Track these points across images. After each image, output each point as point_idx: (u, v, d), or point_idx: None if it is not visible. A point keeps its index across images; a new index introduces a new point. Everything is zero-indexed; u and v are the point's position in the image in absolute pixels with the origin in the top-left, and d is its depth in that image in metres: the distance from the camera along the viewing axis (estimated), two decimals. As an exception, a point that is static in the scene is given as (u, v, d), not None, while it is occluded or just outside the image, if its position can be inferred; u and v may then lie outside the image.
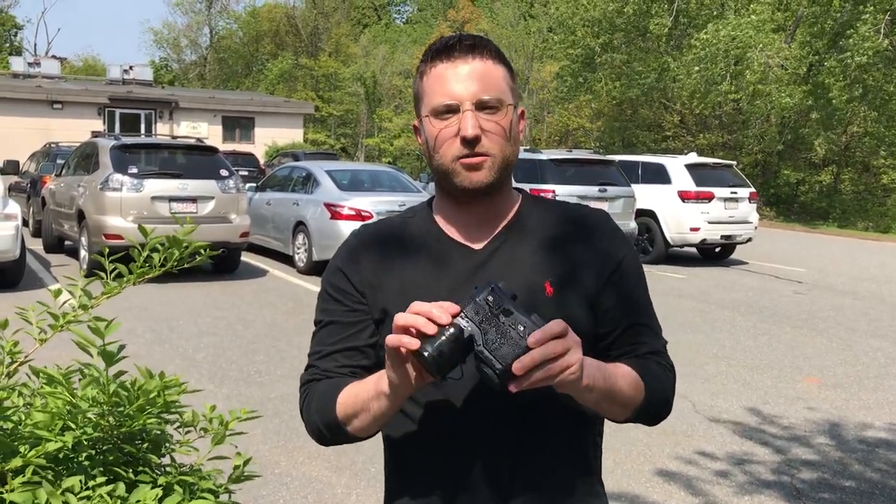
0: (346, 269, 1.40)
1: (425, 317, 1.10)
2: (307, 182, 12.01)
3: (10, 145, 21.51)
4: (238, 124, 31.41)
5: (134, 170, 10.24)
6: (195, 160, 10.93)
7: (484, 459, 1.32)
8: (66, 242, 12.10)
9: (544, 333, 1.08)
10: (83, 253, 10.50)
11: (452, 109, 1.27)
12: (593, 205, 13.81)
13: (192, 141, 12.22)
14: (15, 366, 1.87)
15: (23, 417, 1.71)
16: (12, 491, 1.49)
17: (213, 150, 11.47)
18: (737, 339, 8.03)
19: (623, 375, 1.27)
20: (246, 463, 1.95)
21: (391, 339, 1.12)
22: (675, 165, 13.90)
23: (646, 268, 12.43)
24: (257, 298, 9.43)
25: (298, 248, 11.58)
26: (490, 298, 1.12)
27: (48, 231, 12.46)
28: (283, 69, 46.37)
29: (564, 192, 11.98)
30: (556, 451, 1.35)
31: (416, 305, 1.11)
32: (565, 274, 1.34)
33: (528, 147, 14.21)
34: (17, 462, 1.58)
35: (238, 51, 52.56)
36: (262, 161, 25.61)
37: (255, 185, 13.83)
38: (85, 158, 11.31)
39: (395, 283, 1.35)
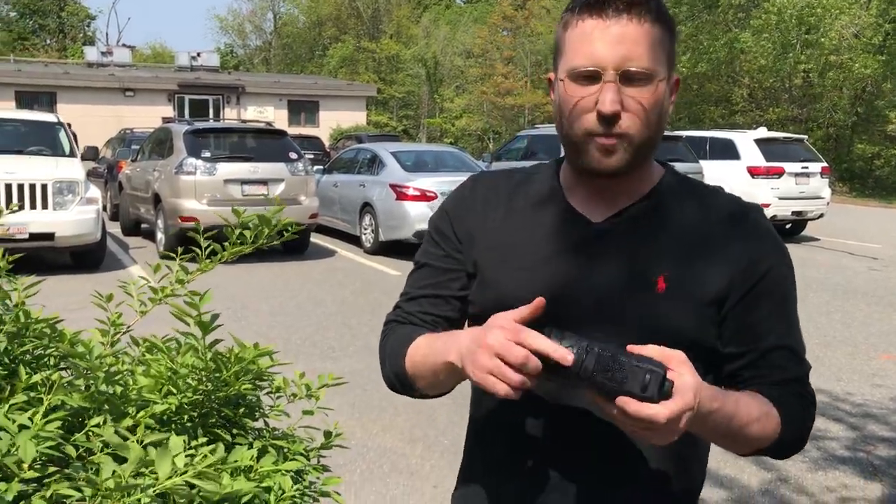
0: (451, 213, 1.31)
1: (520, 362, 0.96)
2: (373, 164, 12.16)
3: (86, 132, 22.21)
4: (303, 108, 31.83)
5: (207, 154, 10.54)
6: (265, 144, 11.18)
7: (571, 446, 1.19)
8: (143, 225, 12.51)
9: (640, 412, 0.92)
10: (159, 235, 10.86)
11: (593, 76, 1.09)
12: None
13: (262, 125, 12.49)
14: (118, 336, 2.00)
15: (130, 382, 1.84)
16: (127, 448, 1.61)
17: (282, 133, 11.71)
18: (808, 315, 7.89)
19: (758, 420, 1.10)
20: (337, 435, 2.06)
21: (483, 381, 0.99)
22: (744, 140, 13.64)
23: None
24: (326, 278, 9.63)
25: (365, 229, 11.75)
26: (593, 363, 0.96)
27: (125, 214, 12.91)
28: (345, 54, 46.73)
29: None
30: (653, 454, 1.20)
31: (529, 338, 0.97)
32: (688, 271, 1.14)
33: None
34: (127, 422, 1.70)
35: (301, 35, 53.13)
36: (326, 144, 25.95)
37: (321, 167, 14.07)
38: (159, 144, 11.67)
39: (493, 239, 1.24)
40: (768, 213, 13.12)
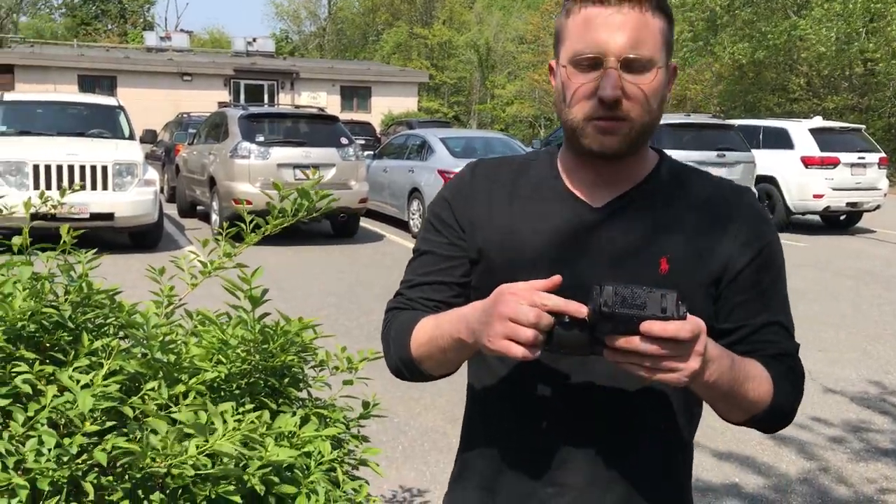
0: (452, 201, 1.32)
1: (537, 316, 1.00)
2: (422, 149, 12.27)
3: (145, 116, 22.75)
4: (355, 94, 32.07)
5: (261, 138, 10.77)
6: (317, 129, 11.37)
7: (565, 428, 1.23)
8: (198, 207, 12.82)
9: (666, 330, 0.95)
10: (214, 217, 11.13)
11: (594, 63, 1.12)
12: (711, 170, 13.45)
13: (314, 110, 12.68)
14: (171, 308, 2.13)
15: (183, 351, 1.97)
16: (179, 411, 1.73)
17: (333, 119, 11.89)
18: (858, 308, 7.78)
19: (754, 378, 1.14)
20: (375, 405, 2.16)
21: (505, 348, 1.02)
22: (799, 130, 13.38)
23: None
24: (375, 262, 9.78)
25: (413, 214, 11.88)
26: (614, 297, 0.97)
27: (182, 196, 13.24)
28: (398, 40, 46.89)
29: (681, 157, 11.68)
30: (645, 446, 1.24)
31: (544, 298, 1.01)
32: (689, 252, 1.18)
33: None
34: (180, 388, 1.83)
35: (355, 21, 53.41)
36: (378, 129, 26.13)
37: (372, 152, 14.22)
38: (215, 128, 11.94)
39: (497, 225, 1.26)
40: (822, 204, 12.90)
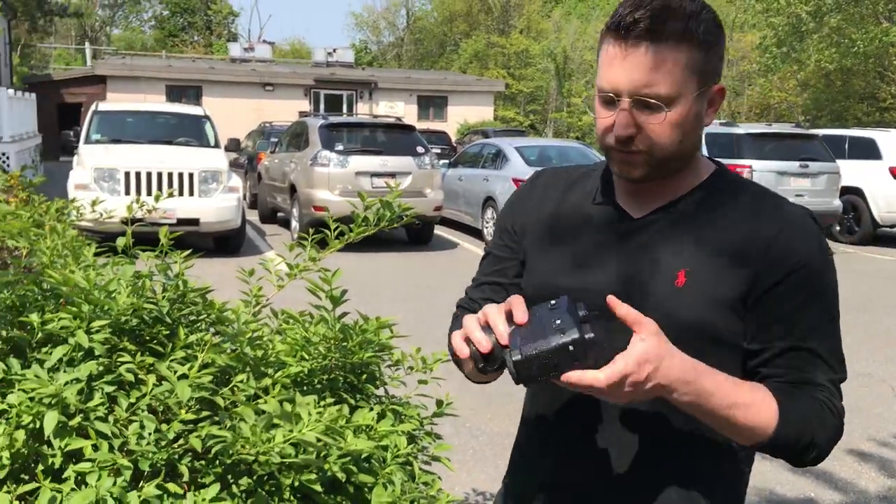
0: (512, 206, 1.40)
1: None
2: (497, 158, 12.35)
3: (228, 125, 23.43)
4: (432, 103, 32.37)
5: (340, 147, 11.02)
6: (394, 138, 11.58)
7: (586, 453, 1.26)
8: (279, 213, 13.18)
9: (582, 380, 1.01)
10: (294, 223, 11.43)
11: (612, 100, 1.15)
12: (794, 181, 12.99)
13: (392, 119, 12.91)
14: (259, 307, 2.26)
15: (269, 347, 2.09)
16: (266, 402, 1.85)
17: (410, 128, 12.09)
18: (949, 324, 7.51)
19: (748, 405, 1.10)
20: (448, 404, 2.25)
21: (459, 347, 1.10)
22: (888, 139, 12.95)
23: (850, 249, 11.56)
24: (449, 269, 9.89)
25: (487, 222, 11.96)
26: (558, 320, 1.02)
27: (263, 203, 13.64)
28: (475, 49, 47.15)
29: (762, 167, 11.55)
30: (669, 470, 1.23)
31: (490, 314, 1.07)
32: (711, 268, 1.16)
33: (724, 121, 13.75)
34: (267, 381, 1.95)
35: (433, 31, 53.93)
36: (453, 138, 26.32)
37: (447, 161, 14.37)
38: (296, 137, 12.27)
39: (542, 229, 1.32)
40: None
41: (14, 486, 1.68)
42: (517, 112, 42.96)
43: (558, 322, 1.01)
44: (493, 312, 1.07)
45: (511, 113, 41.36)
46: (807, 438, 1.13)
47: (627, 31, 1.12)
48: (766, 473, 4.15)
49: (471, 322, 1.08)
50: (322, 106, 30.21)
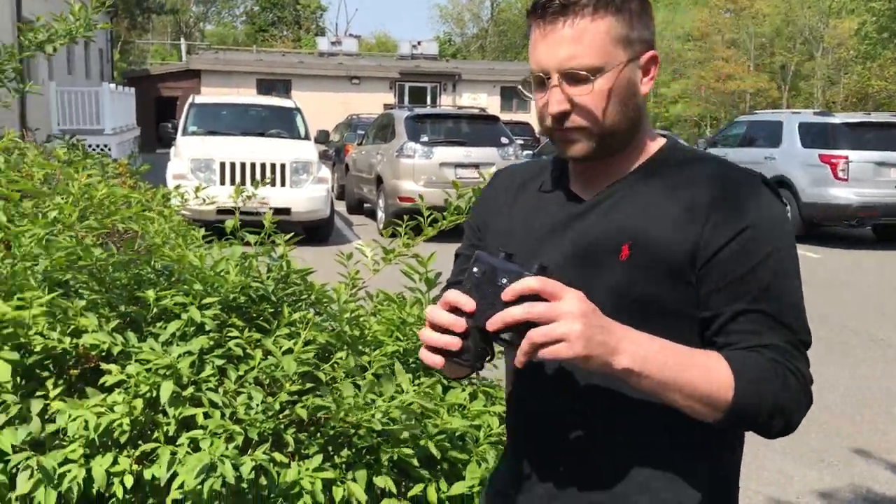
0: (476, 206, 1.42)
1: (445, 327, 1.03)
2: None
3: (317, 118, 23.85)
4: (515, 94, 32.24)
5: (425, 138, 11.14)
6: (478, 129, 11.63)
7: (548, 435, 1.23)
8: (365, 204, 13.41)
9: (514, 289, 0.99)
10: (380, 213, 11.62)
11: (542, 80, 1.17)
12: (894, 172, 12.29)
13: (476, 111, 12.96)
14: (356, 290, 2.34)
15: (366, 326, 2.17)
16: (364, 379, 1.92)
17: (494, 119, 12.12)
18: None
19: (702, 366, 1.07)
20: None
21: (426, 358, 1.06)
22: None
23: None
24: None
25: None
26: (476, 270, 1.03)
27: (350, 194, 13.89)
28: (560, 38, 46.72)
29: (859, 157, 11.11)
30: (631, 446, 1.19)
31: (435, 315, 1.05)
32: (655, 239, 1.14)
33: (818, 110, 13.29)
34: (365, 359, 2.02)
35: (517, 22, 53.65)
36: (536, 129, 26.20)
37: (531, 152, 14.34)
38: (382, 129, 12.45)
39: (499, 224, 1.33)
40: None
41: (133, 451, 1.80)
42: (602, 103, 42.32)
43: (503, 281, 1.00)
44: (438, 314, 1.04)
45: (596, 104, 40.78)
46: (769, 402, 1.08)
47: (544, 9, 1.15)
48: (863, 473, 4.04)
49: (428, 334, 1.05)
50: (406, 98, 30.49)
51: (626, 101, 1.17)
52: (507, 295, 0.99)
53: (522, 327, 0.98)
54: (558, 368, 1.19)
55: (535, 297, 0.99)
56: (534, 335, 0.97)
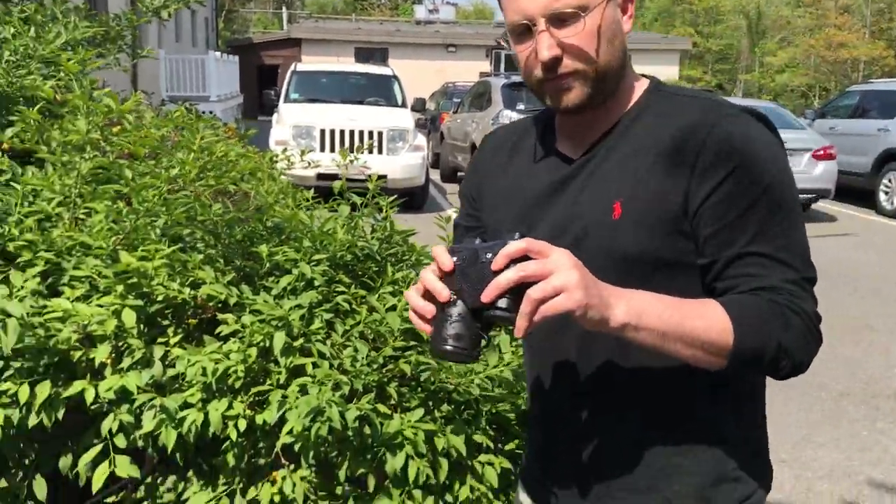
0: (468, 173, 1.40)
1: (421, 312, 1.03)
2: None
3: (412, 86, 23.97)
4: (614, 62, 31.59)
5: (521, 106, 11.09)
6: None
7: (558, 402, 1.25)
8: (459, 173, 13.47)
9: (503, 253, 0.97)
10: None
11: (527, 29, 1.12)
12: None
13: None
14: (455, 253, 2.37)
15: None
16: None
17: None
18: None
19: (699, 315, 1.04)
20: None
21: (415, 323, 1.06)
22: None
23: None
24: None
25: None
26: (456, 259, 1.01)
27: (445, 162, 13.97)
28: (661, 6, 45.43)
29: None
30: (654, 423, 1.18)
31: (411, 299, 1.04)
32: (645, 193, 1.11)
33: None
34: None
35: (617, -12, 52.36)
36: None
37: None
38: (478, 97, 12.45)
39: (493, 189, 1.31)
40: None
41: (246, 396, 1.91)
42: (704, 72, 41.15)
43: (488, 256, 0.99)
44: (420, 304, 1.02)
45: (697, 72, 39.68)
46: (773, 344, 1.05)
47: None
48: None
49: (414, 300, 1.04)
50: (503, 66, 30.28)
51: (614, 40, 1.14)
52: (497, 263, 0.97)
53: (516, 293, 0.97)
54: (570, 355, 1.20)
55: (523, 260, 0.97)
56: (532, 292, 0.94)
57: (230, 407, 1.82)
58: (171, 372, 1.89)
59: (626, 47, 1.17)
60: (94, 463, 1.93)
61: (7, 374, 1.87)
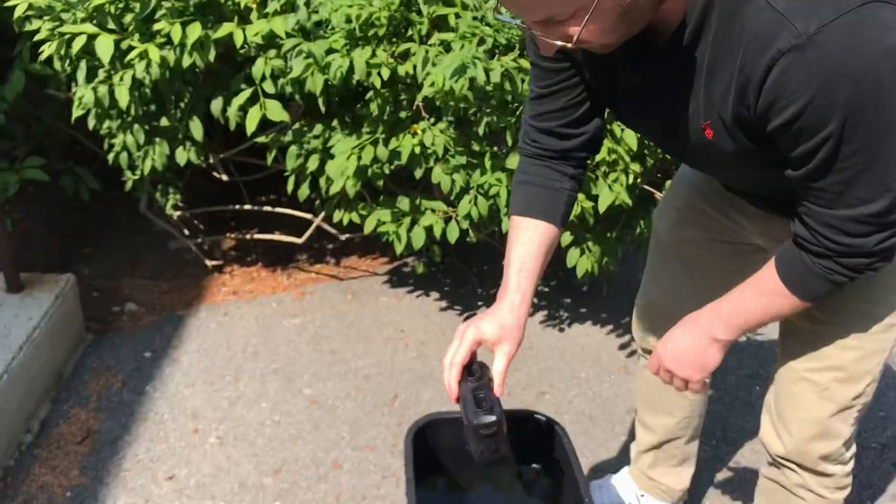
0: None
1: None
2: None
3: None
4: None
5: None
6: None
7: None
8: None
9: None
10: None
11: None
12: None
13: None
14: None
15: None
16: None
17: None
18: None
19: (768, 299, 1.15)
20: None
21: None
22: None
23: None
24: None
25: None
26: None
27: None
28: None
29: None
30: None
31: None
32: (722, 114, 1.00)
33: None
34: None
35: None
36: None
37: None
38: None
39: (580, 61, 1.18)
40: None
41: (389, 46, 1.90)
42: None
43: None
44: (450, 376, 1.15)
45: None
46: (825, 287, 1.09)
47: None
48: None
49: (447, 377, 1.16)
50: None
51: (612, 10, 0.90)
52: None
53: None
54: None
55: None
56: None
57: (374, 55, 1.83)
58: (314, 17, 1.89)
59: None
60: (243, 110, 2.02)
61: (159, 12, 1.91)
